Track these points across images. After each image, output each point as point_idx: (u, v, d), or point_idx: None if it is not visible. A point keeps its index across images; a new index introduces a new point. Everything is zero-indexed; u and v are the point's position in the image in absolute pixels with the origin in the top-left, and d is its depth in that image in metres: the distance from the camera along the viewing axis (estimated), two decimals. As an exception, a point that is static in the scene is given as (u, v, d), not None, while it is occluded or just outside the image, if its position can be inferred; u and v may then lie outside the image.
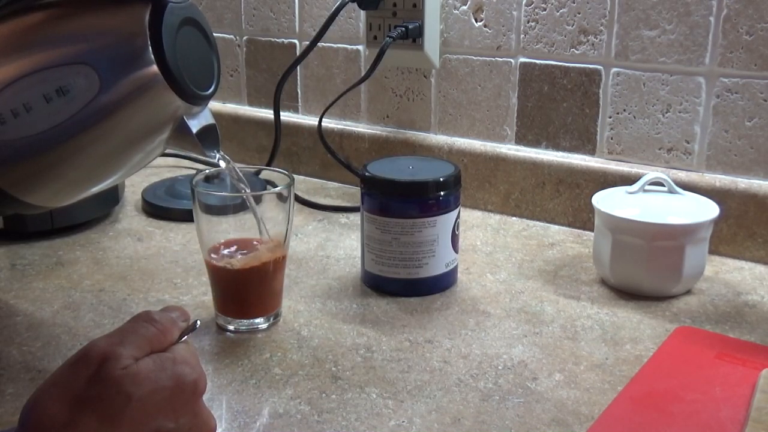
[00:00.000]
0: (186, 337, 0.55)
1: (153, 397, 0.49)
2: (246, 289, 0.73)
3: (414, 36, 1.03)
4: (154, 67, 0.59)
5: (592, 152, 0.99)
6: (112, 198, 1.02)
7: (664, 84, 0.92)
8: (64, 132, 0.59)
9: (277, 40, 1.21)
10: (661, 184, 0.85)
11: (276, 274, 0.74)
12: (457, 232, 0.82)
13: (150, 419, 0.49)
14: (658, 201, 0.84)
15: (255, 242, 0.73)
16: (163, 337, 0.53)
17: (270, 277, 0.73)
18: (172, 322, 0.54)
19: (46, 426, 0.46)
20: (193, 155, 1.23)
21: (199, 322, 0.57)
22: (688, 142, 0.92)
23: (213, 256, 0.73)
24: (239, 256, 0.72)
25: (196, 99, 0.62)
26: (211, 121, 0.66)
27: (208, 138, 0.66)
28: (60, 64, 0.58)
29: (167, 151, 0.68)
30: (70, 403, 0.47)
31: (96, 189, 0.67)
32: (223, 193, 0.74)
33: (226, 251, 0.73)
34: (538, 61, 0.99)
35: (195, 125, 0.64)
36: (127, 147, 0.63)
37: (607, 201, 0.83)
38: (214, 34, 0.67)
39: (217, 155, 0.67)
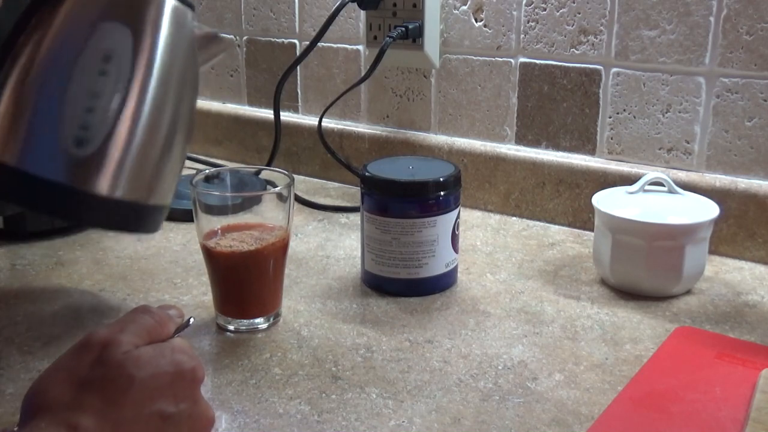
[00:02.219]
0: (179, 334, 0.56)
1: (154, 380, 0.50)
2: (244, 279, 0.72)
3: (414, 36, 1.03)
4: None
5: (592, 152, 0.99)
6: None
7: (664, 84, 0.92)
8: (136, 104, 0.61)
9: (277, 40, 1.21)
10: (661, 184, 0.85)
11: (275, 267, 0.73)
12: (457, 232, 0.82)
13: (152, 401, 0.49)
14: (658, 201, 0.84)
15: (253, 228, 0.73)
16: (161, 328, 0.55)
17: (268, 267, 0.73)
18: (168, 317, 0.57)
19: (51, 408, 0.47)
20: (194, 156, 1.23)
21: (192, 320, 0.59)
22: (688, 142, 0.92)
23: (210, 240, 0.72)
24: (237, 237, 0.72)
25: (191, 4, 0.68)
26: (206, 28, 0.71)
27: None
28: (90, 38, 0.61)
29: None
30: (74, 386, 0.48)
31: (184, 155, 0.70)
32: (223, 193, 0.74)
33: (222, 235, 0.72)
34: (538, 61, 0.99)
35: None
36: (183, 87, 0.66)
37: (607, 201, 0.83)
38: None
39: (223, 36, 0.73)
